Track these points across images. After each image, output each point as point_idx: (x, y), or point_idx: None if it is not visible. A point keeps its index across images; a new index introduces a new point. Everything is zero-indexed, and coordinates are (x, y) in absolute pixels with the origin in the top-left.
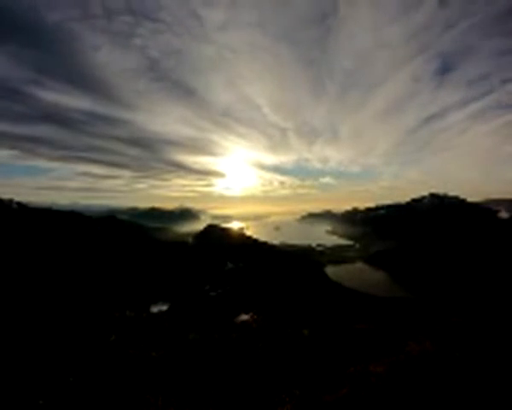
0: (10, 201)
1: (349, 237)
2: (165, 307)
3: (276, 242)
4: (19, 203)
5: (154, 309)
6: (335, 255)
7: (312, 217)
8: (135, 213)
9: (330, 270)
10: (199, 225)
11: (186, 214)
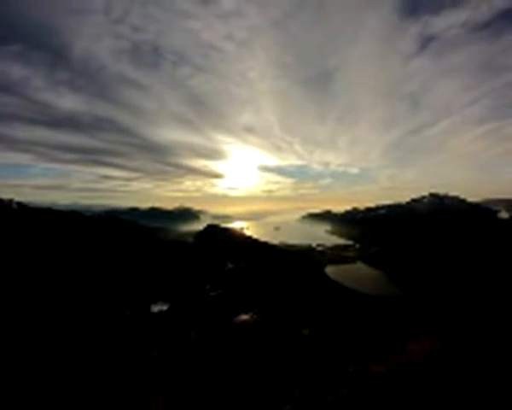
0: (10, 201)
1: (349, 237)
2: (165, 307)
3: (276, 242)
4: (19, 203)
5: (154, 309)
6: (335, 255)
7: (312, 217)
8: (135, 213)
9: (330, 270)
10: (199, 225)
11: (186, 214)
